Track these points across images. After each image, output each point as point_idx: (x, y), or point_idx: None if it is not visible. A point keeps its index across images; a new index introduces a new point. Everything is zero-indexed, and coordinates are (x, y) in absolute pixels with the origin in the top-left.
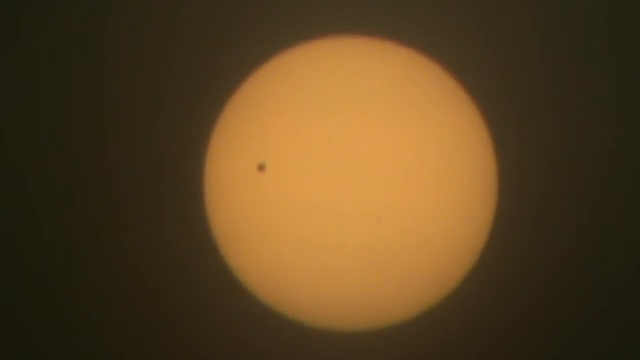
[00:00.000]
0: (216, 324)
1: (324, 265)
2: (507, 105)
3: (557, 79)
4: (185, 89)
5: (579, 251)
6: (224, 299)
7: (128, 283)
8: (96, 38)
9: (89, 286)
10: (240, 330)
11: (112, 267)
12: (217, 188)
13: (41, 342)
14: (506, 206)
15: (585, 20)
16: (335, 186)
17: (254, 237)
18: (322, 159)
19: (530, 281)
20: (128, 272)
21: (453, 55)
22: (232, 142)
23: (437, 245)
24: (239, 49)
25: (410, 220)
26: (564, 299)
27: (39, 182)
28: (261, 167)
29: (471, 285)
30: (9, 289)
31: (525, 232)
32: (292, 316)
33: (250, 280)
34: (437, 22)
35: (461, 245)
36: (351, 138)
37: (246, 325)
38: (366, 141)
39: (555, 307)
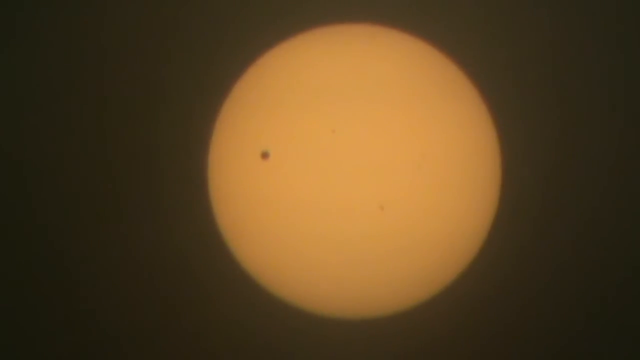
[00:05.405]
0: (224, 316)
1: (325, 255)
2: (513, 97)
3: (565, 76)
4: (186, 81)
5: (580, 247)
6: (231, 291)
7: (133, 279)
8: (96, 33)
9: (94, 284)
10: (248, 322)
11: (117, 264)
12: (220, 180)
13: (44, 341)
14: (509, 201)
15: (595, 17)
16: (338, 177)
17: (258, 229)
18: (326, 150)
19: (531, 276)
20: (133, 269)
21: (460, 47)
22: (235, 134)
23: (438, 237)
24: (240, 39)
25: (412, 212)
26: (564, 295)
27: (40, 180)
28: (265, 155)
29: (470, 279)
30: (10, 290)
31: (527, 227)
32: (298, 305)
33: (256, 271)
34: (443, 12)
35: (463, 238)
36: (355, 128)
37: (254, 317)
38: (370, 132)
39: (554, 303)
